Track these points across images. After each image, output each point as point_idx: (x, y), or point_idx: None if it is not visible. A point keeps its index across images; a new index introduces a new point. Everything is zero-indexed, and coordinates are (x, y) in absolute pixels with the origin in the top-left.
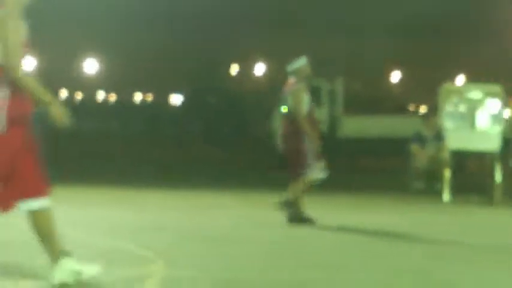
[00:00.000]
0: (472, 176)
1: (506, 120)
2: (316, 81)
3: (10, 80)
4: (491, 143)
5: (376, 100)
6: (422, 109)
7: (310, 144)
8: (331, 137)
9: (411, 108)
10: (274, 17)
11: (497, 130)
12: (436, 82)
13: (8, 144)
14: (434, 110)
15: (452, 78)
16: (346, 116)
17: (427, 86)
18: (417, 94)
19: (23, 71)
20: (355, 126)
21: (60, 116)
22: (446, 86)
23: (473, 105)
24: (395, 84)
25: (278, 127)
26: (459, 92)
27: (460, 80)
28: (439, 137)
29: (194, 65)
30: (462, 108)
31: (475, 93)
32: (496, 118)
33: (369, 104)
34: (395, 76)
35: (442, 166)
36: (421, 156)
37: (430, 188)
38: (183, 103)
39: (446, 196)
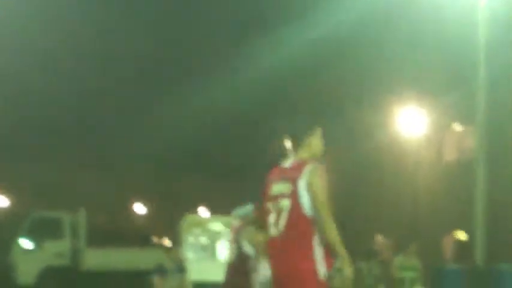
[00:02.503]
0: None
1: None
2: (56, 213)
3: (319, 232)
4: None
5: (119, 232)
6: (166, 241)
7: None
8: (74, 271)
9: (155, 240)
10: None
11: None
12: (180, 214)
13: None
14: (177, 242)
15: (194, 210)
16: (90, 249)
17: (170, 217)
18: (161, 226)
19: (331, 224)
20: (99, 259)
21: (349, 275)
22: (188, 217)
23: (215, 237)
24: (139, 216)
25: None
26: (201, 223)
27: (203, 212)
28: (180, 268)
29: None
30: (204, 239)
31: (217, 225)
32: None
33: (112, 236)
34: (139, 208)
35: None
36: None
37: None
38: None
39: None
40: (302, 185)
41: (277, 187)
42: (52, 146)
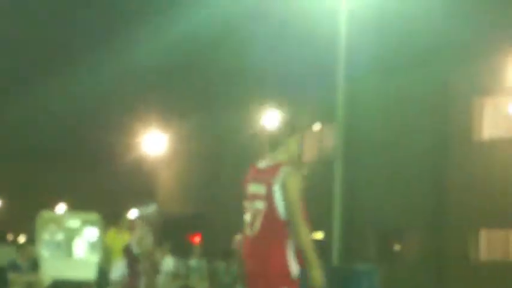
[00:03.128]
0: None
1: (103, 249)
2: None
3: (292, 234)
4: (88, 272)
5: None
6: (22, 238)
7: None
8: None
9: (10, 237)
10: None
11: (94, 258)
12: (37, 210)
13: None
14: (33, 239)
15: (53, 206)
16: None
17: (27, 214)
18: (17, 223)
19: (303, 228)
20: None
21: (319, 282)
22: (44, 213)
23: (71, 234)
24: None
25: None
26: (57, 220)
27: (61, 208)
28: (34, 265)
29: None
30: (60, 236)
31: (73, 222)
32: (93, 246)
33: None
34: None
35: None
36: (18, 284)
37: None
38: None
39: None
40: (276, 188)
41: (253, 188)
42: None
